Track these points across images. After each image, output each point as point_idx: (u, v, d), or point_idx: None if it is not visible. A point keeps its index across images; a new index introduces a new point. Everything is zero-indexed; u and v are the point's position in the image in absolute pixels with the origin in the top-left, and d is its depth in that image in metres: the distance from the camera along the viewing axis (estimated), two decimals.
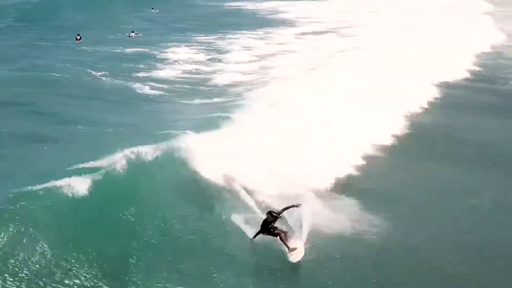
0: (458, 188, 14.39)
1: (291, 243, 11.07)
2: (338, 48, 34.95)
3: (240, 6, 62.24)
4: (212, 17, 51.42)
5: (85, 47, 34.11)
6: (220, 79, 25.88)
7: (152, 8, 56.96)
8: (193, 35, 40.46)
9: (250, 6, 62.10)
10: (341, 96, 20.51)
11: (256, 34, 40.74)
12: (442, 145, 18.01)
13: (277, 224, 11.24)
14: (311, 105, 19.07)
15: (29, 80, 22.94)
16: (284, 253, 10.94)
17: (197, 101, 21.87)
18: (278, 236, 11.12)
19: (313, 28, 44.51)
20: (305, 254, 10.91)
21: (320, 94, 20.48)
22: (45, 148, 15.59)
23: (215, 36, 39.43)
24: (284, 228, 11.42)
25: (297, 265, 10.77)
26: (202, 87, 24.64)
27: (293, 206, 11.70)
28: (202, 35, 40.19)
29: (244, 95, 21.29)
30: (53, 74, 24.51)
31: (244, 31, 41.81)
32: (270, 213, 11.29)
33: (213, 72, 27.78)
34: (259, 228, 11.31)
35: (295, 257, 10.87)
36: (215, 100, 21.85)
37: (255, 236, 11.40)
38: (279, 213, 11.37)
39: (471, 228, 12.39)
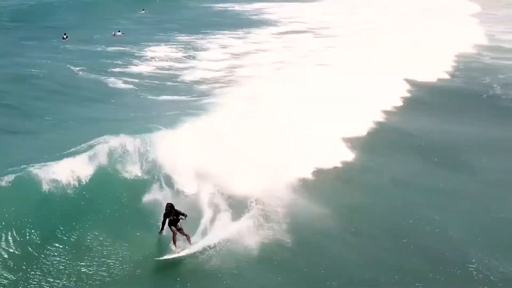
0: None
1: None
2: (313, 47, 36.70)
3: (227, 7, 64.01)
4: (199, 18, 53.16)
5: (69, 46, 35.84)
6: (189, 76, 27.59)
7: (143, 10, 58.64)
8: (175, 34, 42.17)
9: (237, 7, 63.89)
10: (307, 93, 21.95)
11: (237, 34, 42.45)
12: (397, 141, 20.04)
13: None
14: (275, 102, 20.40)
15: (5, 75, 24.68)
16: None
17: (163, 97, 23.48)
18: (177, 229, 12.07)
19: (293, 28, 46.31)
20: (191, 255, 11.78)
21: (285, 91, 21.81)
22: (12, 139, 17.14)
23: (196, 36, 41.10)
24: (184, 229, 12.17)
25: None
26: (170, 83, 26.33)
27: (184, 215, 12.15)
28: (184, 35, 41.89)
29: (210, 92, 23.03)
30: (32, 70, 26.28)
31: (225, 31, 43.53)
32: (170, 207, 12.13)
33: (185, 68, 29.51)
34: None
35: (173, 248, 11.92)
36: (181, 95, 23.52)
37: (161, 229, 12.42)
38: (178, 213, 12.10)
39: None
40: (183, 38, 40.54)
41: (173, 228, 12.07)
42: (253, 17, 55.55)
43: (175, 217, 12.03)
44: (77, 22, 48.18)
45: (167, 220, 12.14)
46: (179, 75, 28.08)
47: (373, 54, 31.66)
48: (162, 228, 12.40)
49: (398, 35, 39.64)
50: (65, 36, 39.22)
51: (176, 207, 12.21)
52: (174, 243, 12.00)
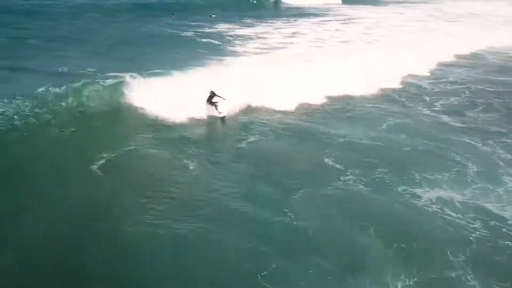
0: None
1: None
2: None
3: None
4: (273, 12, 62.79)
5: (176, 22, 47.34)
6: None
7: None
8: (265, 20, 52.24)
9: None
10: None
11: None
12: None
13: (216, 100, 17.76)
14: None
15: (139, 35, 36.09)
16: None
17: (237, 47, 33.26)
18: (215, 105, 17.72)
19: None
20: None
21: None
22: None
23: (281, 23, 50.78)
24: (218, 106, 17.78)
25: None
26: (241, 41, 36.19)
27: (222, 98, 17.60)
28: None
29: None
30: (153, 32, 37.59)
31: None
32: (212, 92, 17.64)
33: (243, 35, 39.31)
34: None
35: (222, 114, 17.70)
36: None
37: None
38: (216, 95, 17.63)
39: None
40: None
41: (214, 104, 17.92)
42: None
43: (213, 99, 17.80)
44: (181, 7, 60.08)
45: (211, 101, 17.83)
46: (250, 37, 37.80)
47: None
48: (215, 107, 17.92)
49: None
50: (172, 16, 50.89)
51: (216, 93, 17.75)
52: (217, 109, 17.92)
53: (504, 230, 10.42)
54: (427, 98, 21.54)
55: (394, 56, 26.61)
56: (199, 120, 17.41)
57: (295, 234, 10.12)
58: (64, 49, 29.00)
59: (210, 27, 43.18)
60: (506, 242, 9.98)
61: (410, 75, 25.64)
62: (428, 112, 19.40)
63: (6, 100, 15.23)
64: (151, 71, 19.92)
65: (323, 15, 58.43)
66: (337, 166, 13.47)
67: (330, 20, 52.99)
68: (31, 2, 54.22)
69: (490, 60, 32.79)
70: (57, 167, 12.80)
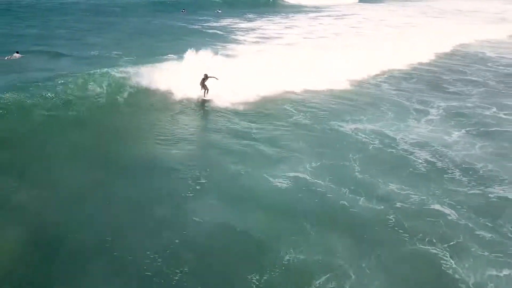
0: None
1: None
2: None
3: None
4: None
5: (186, 16, 53.12)
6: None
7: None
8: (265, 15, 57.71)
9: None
10: None
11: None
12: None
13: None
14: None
15: (155, 27, 41.94)
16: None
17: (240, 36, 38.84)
18: (205, 88, 19.55)
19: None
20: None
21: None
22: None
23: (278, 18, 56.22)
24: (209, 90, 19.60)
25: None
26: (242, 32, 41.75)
27: (215, 78, 19.39)
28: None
29: None
30: (164, 26, 43.33)
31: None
32: (205, 75, 19.44)
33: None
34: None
35: (206, 98, 19.53)
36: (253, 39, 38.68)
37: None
38: (209, 77, 19.44)
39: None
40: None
41: (206, 87, 19.73)
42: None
43: (206, 81, 19.56)
44: (191, 2, 65.86)
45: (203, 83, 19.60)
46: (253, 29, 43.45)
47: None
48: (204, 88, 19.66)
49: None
50: (183, 11, 56.76)
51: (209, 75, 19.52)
52: (206, 93, 19.74)
53: (392, 144, 15.88)
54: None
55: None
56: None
57: None
58: (90, 38, 34.92)
59: (216, 21, 49.07)
60: (390, 150, 15.45)
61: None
62: (379, 84, 24.97)
63: (50, 83, 17.92)
64: (167, 55, 25.59)
65: (318, 11, 64.03)
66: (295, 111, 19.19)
67: (323, 16, 58.68)
68: (52, 1, 60.40)
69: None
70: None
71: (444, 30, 45.48)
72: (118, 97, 18.60)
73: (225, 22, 49.34)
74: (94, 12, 52.87)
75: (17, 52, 26.27)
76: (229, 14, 56.20)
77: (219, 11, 59.51)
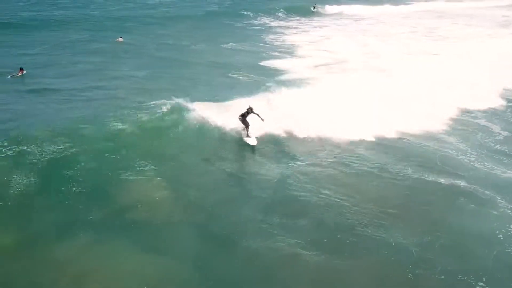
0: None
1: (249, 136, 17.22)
2: None
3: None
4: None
5: None
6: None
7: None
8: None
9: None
10: None
11: None
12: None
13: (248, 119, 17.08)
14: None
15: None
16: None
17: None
18: (246, 125, 16.99)
19: None
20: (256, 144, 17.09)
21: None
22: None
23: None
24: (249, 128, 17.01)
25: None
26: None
27: (260, 118, 16.82)
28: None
29: None
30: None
31: None
32: (250, 108, 16.97)
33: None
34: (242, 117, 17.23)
35: (249, 140, 16.94)
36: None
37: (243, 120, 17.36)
38: (253, 113, 16.93)
39: None
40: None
41: (246, 123, 16.97)
42: None
43: (248, 116, 17.00)
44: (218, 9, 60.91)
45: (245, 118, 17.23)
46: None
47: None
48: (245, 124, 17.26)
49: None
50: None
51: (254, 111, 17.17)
52: (247, 130, 17.15)
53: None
54: None
55: None
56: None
57: None
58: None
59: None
60: None
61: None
62: None
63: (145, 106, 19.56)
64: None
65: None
66: None
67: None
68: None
69: None
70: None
71: None
72: None
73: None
74: (162, 26, 47.77)
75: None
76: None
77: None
